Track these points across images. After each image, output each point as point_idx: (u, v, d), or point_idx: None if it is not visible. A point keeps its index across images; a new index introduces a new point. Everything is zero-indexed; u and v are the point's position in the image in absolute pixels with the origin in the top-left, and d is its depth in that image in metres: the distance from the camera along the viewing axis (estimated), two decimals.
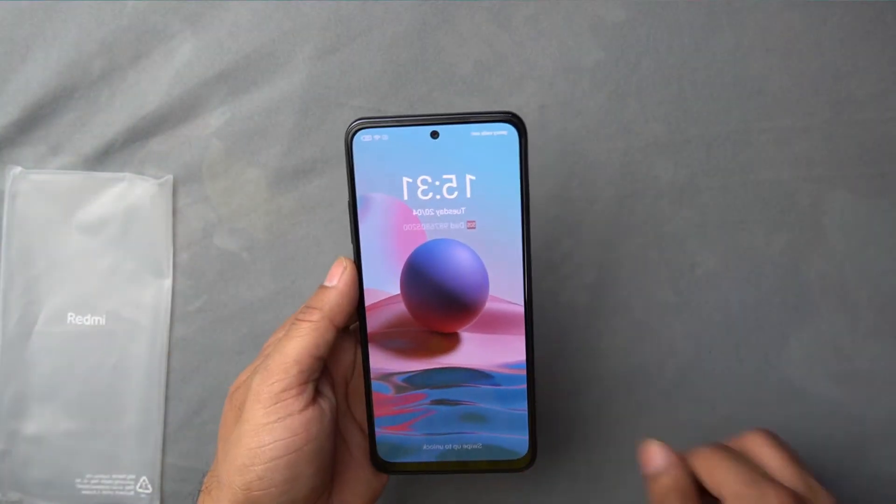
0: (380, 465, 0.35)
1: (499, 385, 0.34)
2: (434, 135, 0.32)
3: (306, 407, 0.32)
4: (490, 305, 0.34)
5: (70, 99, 0.42)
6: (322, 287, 0.34)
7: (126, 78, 0.43)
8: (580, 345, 0.44)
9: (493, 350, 0.34)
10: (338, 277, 0.33)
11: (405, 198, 0.33)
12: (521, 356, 0.34)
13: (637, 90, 0.43)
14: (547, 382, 0.43)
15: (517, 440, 0.35)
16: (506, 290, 0.34)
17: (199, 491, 0.34)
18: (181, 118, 0.43)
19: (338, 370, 0.36)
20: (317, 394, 0.33)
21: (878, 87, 0.44)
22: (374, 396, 0.35)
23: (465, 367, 0.34)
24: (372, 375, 0.35)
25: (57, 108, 0.42)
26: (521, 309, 0.34)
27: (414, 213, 0.33)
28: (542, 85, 0.43)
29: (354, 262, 0.34)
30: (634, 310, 0.44)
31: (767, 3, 0.43)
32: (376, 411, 0.35)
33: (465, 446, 0.35)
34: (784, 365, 0.44)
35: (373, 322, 0.34)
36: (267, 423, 0.31)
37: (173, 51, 0.43)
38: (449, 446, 0.35)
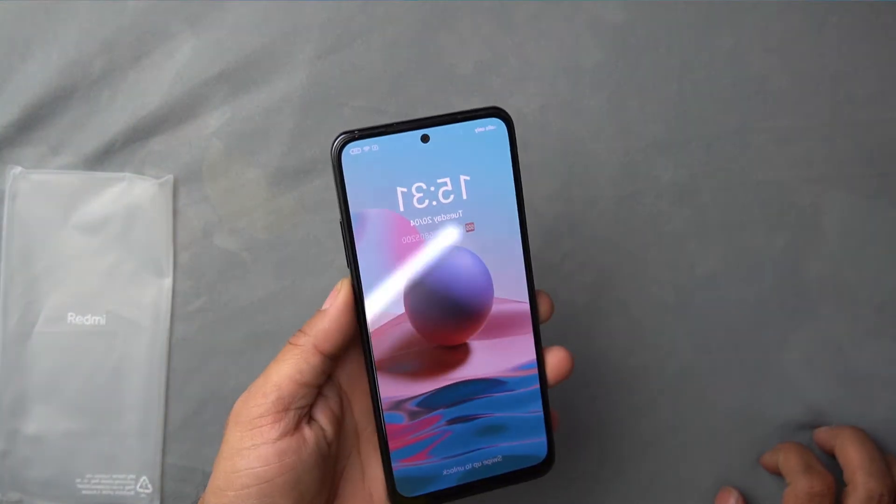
0: (399, 502, 0.33)
1: (512, 390, 0.33)
2: (424, 138, 0.31)
3: (283, 436, 0.30)
4: (495, 308, 0.33)
5: (70, 99, 0.42)
6: (318, 311, 0.32)
7: (126, 78, 0.43)
8: (580, 345, 0.44)
9: (502, 354, 0.33)
10: (331, 301, 0.32)
11: (401, 209, 0.31)
12: (530, 355, 0.33)
13: (637, 90, 0.43)
14: None
15: (535, 444, 0.34)
16: (509, 289, 0.33)
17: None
18: (181, 118, 0.43)
19: (360, 401, 0.34)
20: (306, 423, 0.31)
21: (878, 88, 0.44)
22: (388, 429, 0.32)
23: (478, 377, 0.33)
24: (384, 406, 0.32)
25: (57, 108, 0.42)
26: (526, 306, 0.33)
27: (412, 223, 0.32)
28: (542, 85, 0.43)
29: (353, 286, 0.31)
30: (634, 310, 0.44)
31: (767, 3, 0.44)
32: (391, 444, 0.32)
33: (485, 462, 0.33)
34: (784, 365, 0.44)
35: (378, 348, 0.32)
36: (241, 449, 0.30)
37: (174, 51, 0.43)
38: (469, 466, 0.33)
